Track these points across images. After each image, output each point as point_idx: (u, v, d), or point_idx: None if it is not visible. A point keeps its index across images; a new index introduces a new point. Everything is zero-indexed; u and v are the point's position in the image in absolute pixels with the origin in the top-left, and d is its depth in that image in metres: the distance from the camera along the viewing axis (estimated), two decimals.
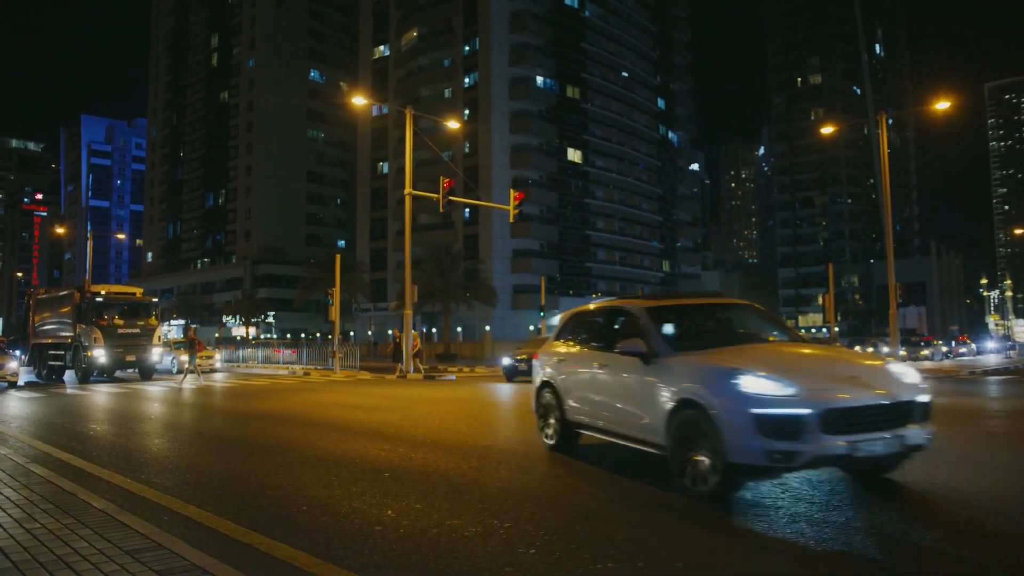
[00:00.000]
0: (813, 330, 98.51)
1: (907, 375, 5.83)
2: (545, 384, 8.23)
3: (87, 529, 4.74)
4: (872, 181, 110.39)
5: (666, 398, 5.91)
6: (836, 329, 43.23)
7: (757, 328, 7.48)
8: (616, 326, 7.49)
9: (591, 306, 8.59)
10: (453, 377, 25.94)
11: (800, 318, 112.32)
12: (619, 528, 4.91)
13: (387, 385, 21.41)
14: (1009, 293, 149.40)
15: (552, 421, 8.01)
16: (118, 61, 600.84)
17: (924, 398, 5.64)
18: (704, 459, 5.49)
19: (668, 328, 6.79)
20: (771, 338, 7.10)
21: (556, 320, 66.11)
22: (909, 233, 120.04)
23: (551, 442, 8.03)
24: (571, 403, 7.60)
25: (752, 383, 5.32)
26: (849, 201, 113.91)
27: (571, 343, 8.21)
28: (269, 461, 7.78)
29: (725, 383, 5.43)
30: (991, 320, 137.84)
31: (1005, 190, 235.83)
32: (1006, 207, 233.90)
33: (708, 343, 6.57)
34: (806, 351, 6.56)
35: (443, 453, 8.12)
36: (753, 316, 7.65)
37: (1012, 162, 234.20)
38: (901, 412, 5.47)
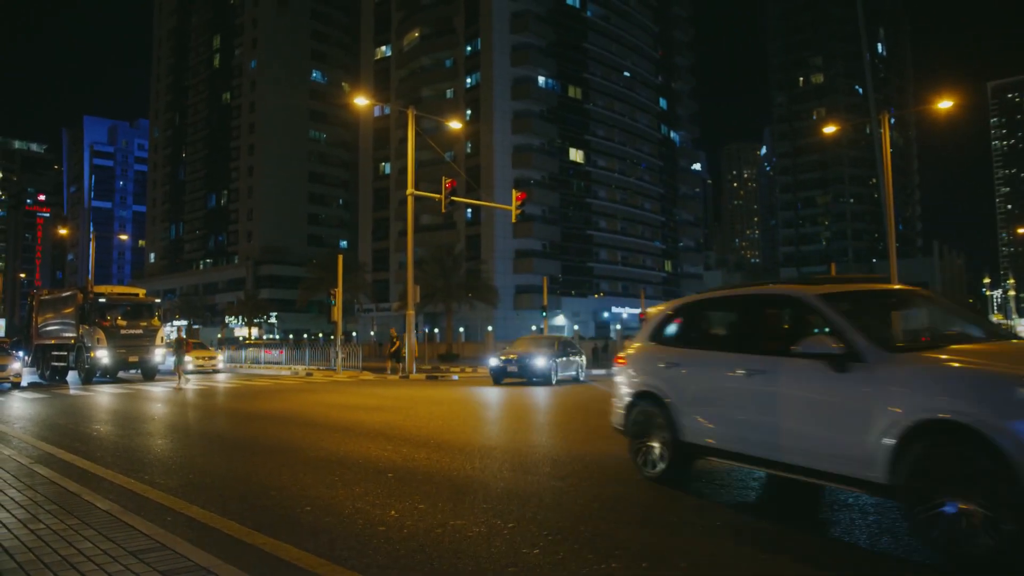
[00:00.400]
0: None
1: None
2: (644, 395, 6.50)
3: (91, 530, 4.74)
4: (874, 180, 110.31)
5: (891, 418, 4.34)
6: None
7: (951, 321, 5.83)
8: (765, 320, 5.86)
9: (712, 295, 6.84)
10: (456, 377, 25.94)
11: None
12: (622, 529, 4.91)
13: (389, 385, 21.41)
14: (1012, 292, 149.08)
15: (657, 444, 6.27)
16: (120, 62, 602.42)
17: None
18: (976, 509, 3.90)
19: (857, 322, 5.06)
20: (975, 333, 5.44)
21: (560, 320, 66.30)
22: (911, 233, 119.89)
23: (657, 470, 6.26)
24: (697, 419, 5.89)
25: None
26: (851, 201, 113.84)
27: (678, 343, 6.48)
28: (272, 461, 7.79)
29: (1020, 399, 3.89)
30: (994, 319, 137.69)
31: (1008, 189, 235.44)
32: (1008, 206, 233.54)
33: (920, 342, 5.16)
34: None
35: (446, 453, 8.13)
36: (936, 306, 6.03)
37: (1015, 161, 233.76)
38: None
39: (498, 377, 21.40)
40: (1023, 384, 3.94)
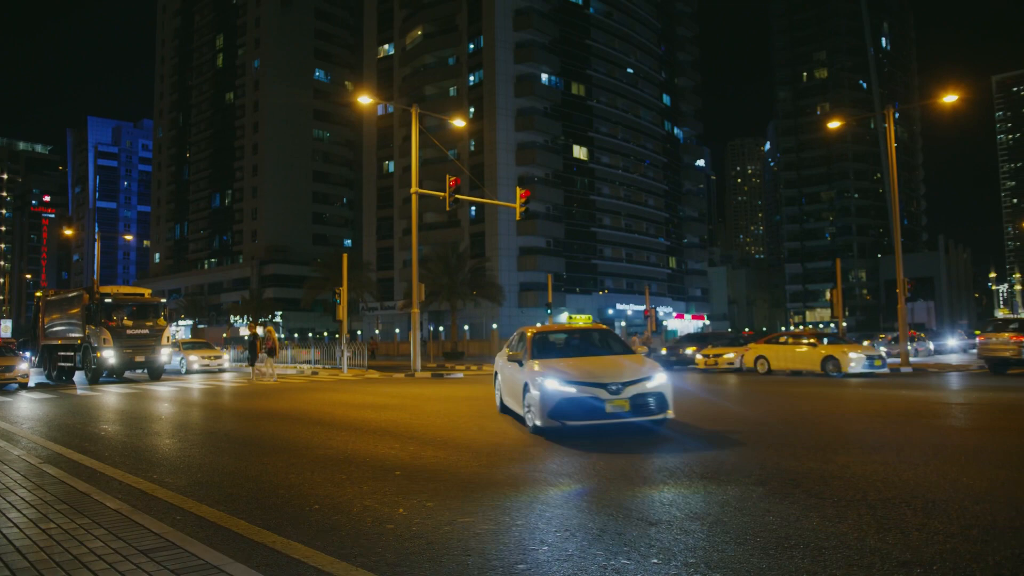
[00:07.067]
0: (821, 325, 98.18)
1: None
2: None
3: (102, 529, 4.77)
4: (879, 175, 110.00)
5: None
6: (844, 324, 42.98)
7: None
8: None
9: None
10: (460, 375, 25.95)
11: (807, 313, 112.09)
12: (632, 525, 4.91)
13: (396, 384, 21.44)
14: (1018, 287, 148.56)
15: None
16: (124, 63, 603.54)
17: None
18: None
19: None
20: None
21: (564, 317, 66.23)
22: (917, 227, 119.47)
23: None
24: None
25: None
26: (856, 196, 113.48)
27: None
28: (280, 460, 7.81)
29: None
30: (1000, 314, 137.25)
31: (1014, 183, 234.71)
32: (1015, 200, 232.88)
33: None
34: None
35: (453, 451, 8.14)
36: None
37: (1020, 155, 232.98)
38: None
39: None
40: None
